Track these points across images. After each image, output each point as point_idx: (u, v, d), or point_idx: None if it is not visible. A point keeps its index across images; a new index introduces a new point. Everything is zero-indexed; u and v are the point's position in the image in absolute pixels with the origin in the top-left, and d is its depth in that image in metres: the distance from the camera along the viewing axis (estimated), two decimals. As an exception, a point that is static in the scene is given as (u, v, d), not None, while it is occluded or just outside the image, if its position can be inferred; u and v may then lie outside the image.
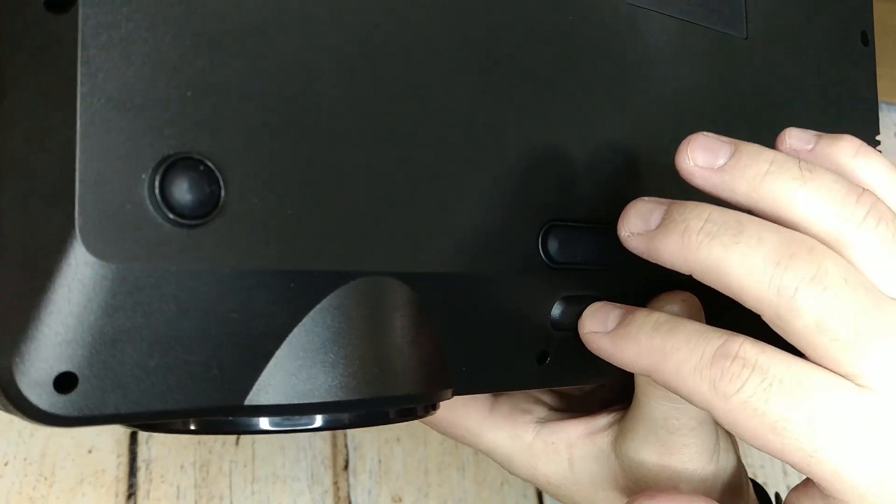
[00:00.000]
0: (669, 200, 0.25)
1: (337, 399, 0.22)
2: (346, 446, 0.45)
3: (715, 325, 0.25)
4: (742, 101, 0.34)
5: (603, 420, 0.32)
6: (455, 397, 0.26)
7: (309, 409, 0.22)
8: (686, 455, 0.30)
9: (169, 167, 0.19)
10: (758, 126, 0.34)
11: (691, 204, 0.25)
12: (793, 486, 0.27)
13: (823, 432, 0.23)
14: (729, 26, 0.33)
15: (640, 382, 0.30)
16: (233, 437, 0.42)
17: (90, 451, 0.39)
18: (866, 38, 0.39)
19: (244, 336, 0.21)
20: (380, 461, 0.45)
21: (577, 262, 0.28)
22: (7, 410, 0.19)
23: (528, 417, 0.33)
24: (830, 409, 0.23)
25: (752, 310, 0.24)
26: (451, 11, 0.25)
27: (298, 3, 0.22)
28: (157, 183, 0.19)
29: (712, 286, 0.24)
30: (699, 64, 0.32)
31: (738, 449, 0.33)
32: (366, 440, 0.45)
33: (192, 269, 0.20)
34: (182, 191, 0.19)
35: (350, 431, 0.45)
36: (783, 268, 0.23)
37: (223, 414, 0.21)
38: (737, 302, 0.24)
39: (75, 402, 0.19)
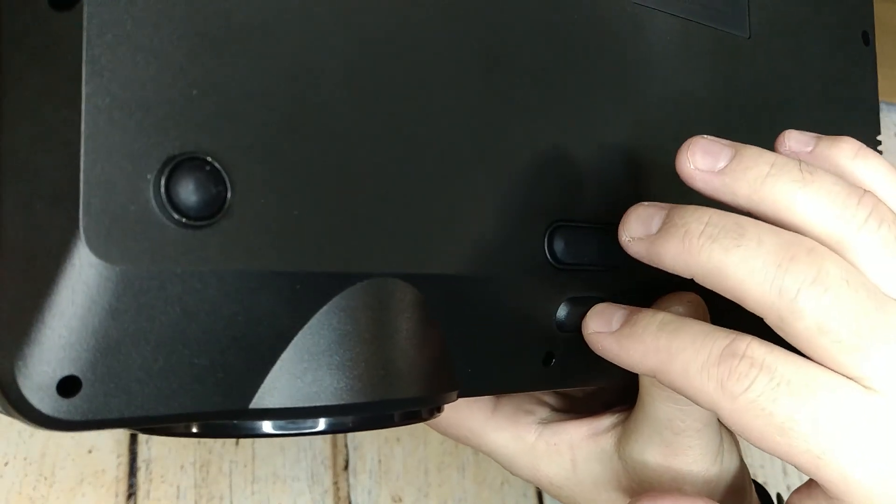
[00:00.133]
0: (670, 205, 0.25)
1: (342, 402, 0.22)
2: (346, 446, 0.45)
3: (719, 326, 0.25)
4: (744, 100, 0.34)
5: (606, 421, 0.32)
6: (458, 399, 0.26)
7: (314, 412, 0.21)
8: (690, 457, 0.30)
9: (175, 167, 0.19)
10: (759, 125, 0.34)
11: (691, 208, 0.24)
12: (793, 485, 0.27)
13: (830, 434, 0.23)
14: (732, 25, 0.33)
15: (644, 383, 0.30)
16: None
17: (90, 451, 0.39)
18: (867, 38, 0.39)
19: (249, 338, 0.20)
20: (380, 461, 0.45)
21: (583, 263, 0.27)
22: (9, 414, 0.19)
23: (530, 418, 0.33)
24: (838, 410, 0.23)
25: (754, 312, 0.24)
26: (455, 11, 0.25)
27: (303, 3, 0.22)
28: (162, 183, 0.19)
29: (714, 290, 0.24)
30: (702, 63, 0.32)
31: (741, 450, 0.33)
32: (366, 440, 0.45)
33: (197, 271, 0.20)
34: (188, 191, 0.19)
35: (350, 431, 0.45)
36: (784, 270, 0.23)
37: (228, 418, 0.21)
38: (739, 305, 0.24)
39: (78, 407, 0.19)
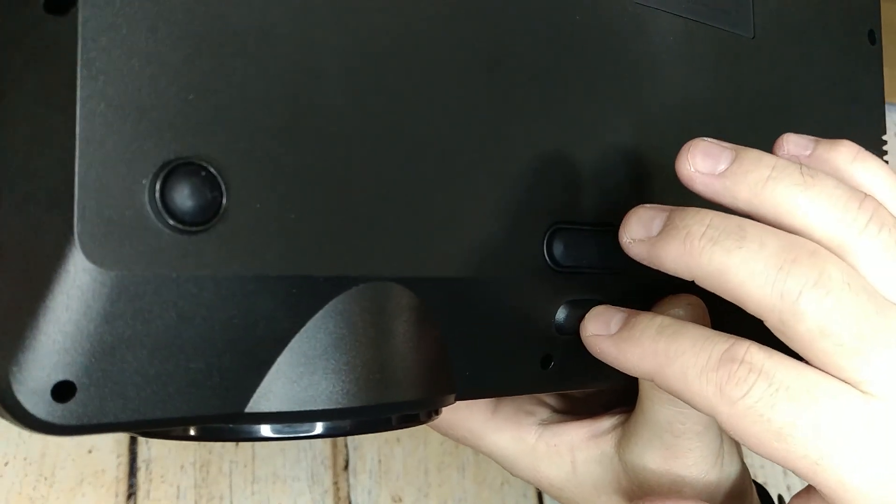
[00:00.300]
0: (671, 207, 0.25)
1: (339, 406, 0.22)
2: (346, 446, 0.45)
3: (719, 331, 0.25)
4: (749, 100, 0.33)
5: (606, 423, 0.32)
6: (457, 401, 0.26)
7: (310, 416, 0.21)
8: (690, 459, 0.30)
9: (170, 172, 0.19)
10: (764, 126, 0.34)
11: (693, 210, 0.24)
12: (793, 485, 0.26)
13: (829, 440, 0.23)
14: (736, 25, 0.33)
15: (644, 386, 0.29)
16: (233, 437, 0.42)
17: (90, 451, 0.39)
18: (874, 37, 0.39)
19: (245, 342, 0.20)
20: (380, 461, 0.45)
21: (582, 266, 0.27)
22: (4, 419, 0.19)
23: (531, 420, 0.33)
24: (836, 416, 0.23)
25: (755, 315, 0.23)
26: (456, 13, 0.25)
27: (300, 7, 0.21)
28: (157, 188, 0.19)
29: (715, 292, 0.24)
30: (706, 64, 0.32)
31: (741, 453, 0.33)
32: (366, 440, 0.45)
33: (192, 276, 0.19)
34: (183, 197, 0.19)
35: (351, 431, 0.45)
36: (786, 272, 0.23)
37: (224, 421, 0.21)
38: (740, 308, 0.24)
39: (73, 411, 0.18)
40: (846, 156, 0.26)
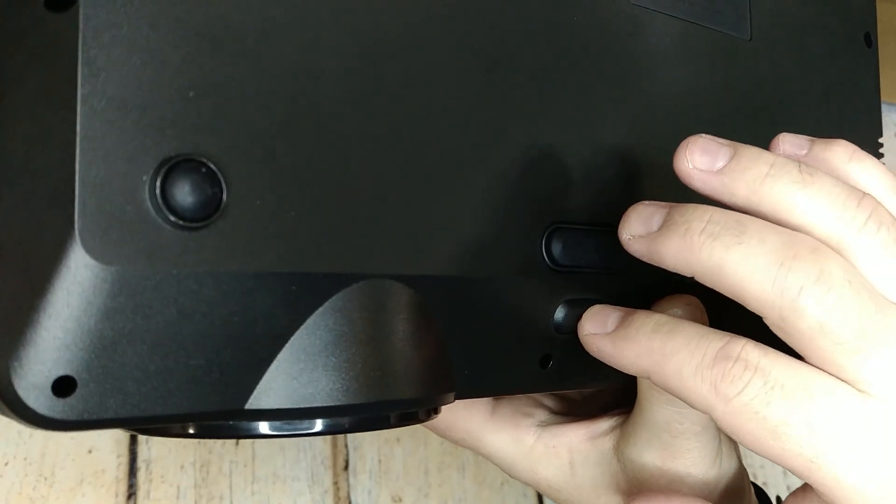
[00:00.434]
0: (671, 203, 0.25)
1: (339, 403, 0.22)
2: (346, 446, 0.45)
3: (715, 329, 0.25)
4: (745, 102, 0.33)
5: (605, 424, 0.32)
6: (456, 400, 0.26)
7: (310, 413, 0.21)
8: (689, 459, 0.30)
9: (170, 169, 0.19)
10: (760, 127, 0.34)
11: (693, 206, 0.24)
12: (793, 486, 0.27)
13: (824, 438, 0.23)
14: (733, 27, 0.33)
15: (642, 386, 0.29)
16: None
17: (90, 451, 0.39)
18: (870, 40, 0.39)
19: (245, 339, 0.21)
20: (380, 461, 0.45)
21: (581, 266, 0.27)
22: (5, 414, 0.19)
23: (529, 421, 0.33)
24: (832, 414, 0.23)
25: (755, 311, 0.23)
26: (454, 11, 0.25)
27: (300, 5, 0.22)
28: (158, 185, 0.19)
29: (714, 288, 0.24)
30: (703, 65, 0.32)
31: (740, 453, 0.33)
32: (366, 440, 0.45)
33: (193, 272, 0.20)
34: (184, 193, 0.19)
35: (350, 432, 0.45)
36: (787, 268, 0.23)
37: (224, 418, 0.21)
38: (739, 307, 0.24)
39: (74, 407, 0.19)
40: (842, 155, 0.26)
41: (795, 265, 0.23)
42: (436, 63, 0.24)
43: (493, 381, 0.26)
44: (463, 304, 0.25)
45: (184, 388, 0.20)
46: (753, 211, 0.24)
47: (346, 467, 0.44)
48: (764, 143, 0.27)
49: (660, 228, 0.25)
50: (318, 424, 0.22)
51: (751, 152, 0.24)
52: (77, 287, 0.18)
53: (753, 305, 0.23)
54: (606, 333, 0.26)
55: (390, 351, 0.23)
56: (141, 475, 0.39)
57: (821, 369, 0.23)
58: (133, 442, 0.40)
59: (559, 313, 0.27)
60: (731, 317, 0.25)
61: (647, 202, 0.26)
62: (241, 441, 0.42)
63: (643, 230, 0.25)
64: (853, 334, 0.23)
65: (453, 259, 0.24)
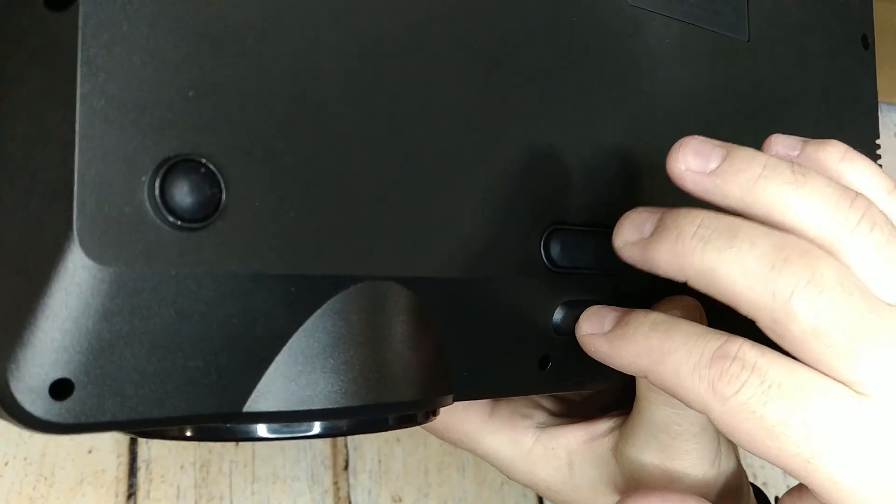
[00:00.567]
0: (663, 209, 0.25)
1: (337, 405, 0.22)
2: (346, 446, 0.45)
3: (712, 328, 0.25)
4: (743, 103, 0.34)
5: (603, 425, 0.32)
6: (455, 402, 0.26)
7: (309, 415, 0.21)
8: (687, 461, 0.30)
9: (169, 169, 0.19)
10: (758, 129, 0.34)
11: (684, 210, 0.24)
12: (793, 486, 0.26)
13: (821, 438, 0.23)
14: (731, 29, 0.33)
15: (641, 387, 0.29)
16: (232, 438, 0.42)
17: (90, 451, 0.39)
18: (867, 42, 0.39)
19: (244, 341, 0.20)
20: (380, 461, 0.45)
21: (580, 267, 0.27)
22: (2, 417, 0.19)
23: (527, 422, 0.33)
24: (829, 414, 0.23)
25: (747, 315, 0.23)
26: (454, 12, 0.25)
27: (301, 4, 0.22)
28: (157, 185, 0.19)
29: (707, 292, 0.24)
30: (701, 66, 0.32)
31: (738, 453, 0.33)
32: (366, 440, 0.45)
33: (191, 273, 0.20)
34: (182, 193, 0.19)
35: (350, 432, 0.45)
36: (778, 272, 0.23)
37: (221, 421, 0.21)
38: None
39: (71, 409, 0.19)
40: (834, 155, 0.26)
41: (787, 268, 0.23)
42: (435, 64, 0.24)
43: (492, 383, 0.26)
44: (462, 305, 0.25)
45: (182, 390, 0.20)
46: (747, 212, 0.24)
47: (346, 467, 0.45)
48: (762, 143, 0.27)
49: (651, 234, 0.25)
50: (317, 427, 0.22)
51: (743, 153, 0.24)
52: (75, 288, 0.18)
53: (745, 309, 0.23)
54: (604, 333, 0.26)
55: (389, 353, 0.23)
56: (141, 475, 0.39)
57: (816, 370, 0.23)
58: (133, 442, 0.40)
59: (558, 314, 0.27)
60: (729, 317, 0.25)
61: (639, 209, 0.26)
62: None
63: (636, 237, 0.25)
64: (845, 336, 0.23)
65: (452, 260, 0.24)
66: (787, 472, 0.24)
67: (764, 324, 0.23)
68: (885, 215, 0.24)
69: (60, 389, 0.18)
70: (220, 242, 0.20)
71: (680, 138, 0.26)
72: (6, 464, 0.37)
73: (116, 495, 0.39)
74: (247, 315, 0.20)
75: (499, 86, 0.26)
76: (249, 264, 0.20)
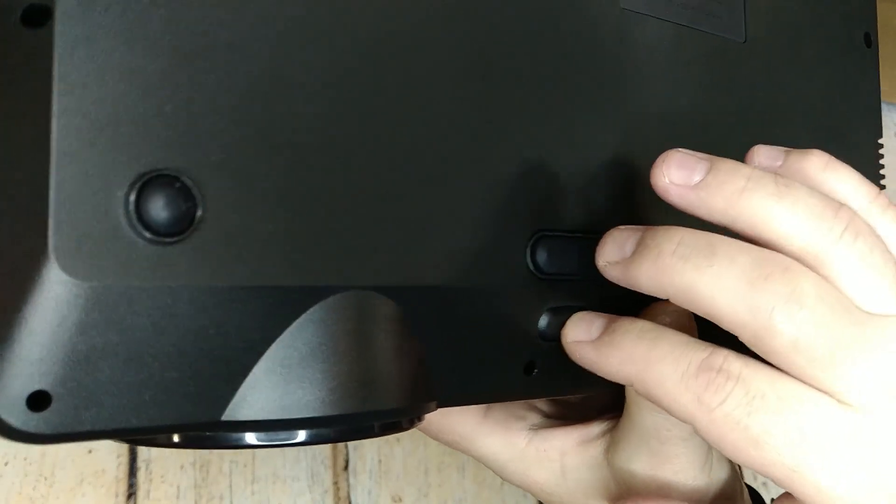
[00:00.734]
0: (645, 227, 0.25)
1: (316, 414, 0.22)
2: (346, 446, 0.45)
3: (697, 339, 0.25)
4: (740, 106, 0.33)
5: (596, 429, 0.32)
6: (439, 408, 0.26)
7: (287, 424, 0.22)
8: (677, 465, 0.30)
9: (145, 185, 0.19)
10: (757, 131, 0.34)
11: (664, 228, 0.25)
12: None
13: (805, 447, 0.23)
14: (727, 30, 0.33)
15: (629, 392, 0.29)
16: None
17: (90, 451, 0.39)
18: (869, 40, 0.39)
19: (221, 352, 0.21)
20: (380, 461, 0.46)
21: (566, 273, 0.27)
22: None
23: (521, 424, 0.33)
24: (812, 424, 0.23)
25: (729, 330, 0.24)
26: (438, 22, 0.25)
27: (277, 20, 0.22)
28: (132, 200, 0.19)
29: (688, 309, 0.24)
30: (695, 69, 0.32)
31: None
32: (365, 440, 0.46)
33: (167, 287, 0.20)
34: (157, 208, 0.19)
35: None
36: (757, 289, 0.23)
37: (201, 429, 0.21)
38: None
39: (49, 420, 0.19)
40: (817, 165, 0.26)
41: (766, 285, 0.23)
42: (417, 71, 0.24)
43: (478, 389, 0.26)
44: (446, 312, 0.25)
45: (159, 400, 0.20)
46: (731, 225, 0.24)
47: (346, 467, 0.45)
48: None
49: (633, 254, 0.25)
50: (301, 434, 0.23)
51: (727, 166, 0.24)
52: (51, 302, 0.19)
53: (727, 325, 0.23)
54: (590, 340, 0.26)
55: (368, 362, 0.23)
56: (141, 475, 0.40)
57: (800, 381, 0.23)
58: (132, 442, 0.40)
59: (543, 321, 0.27)
60: (716, 327, 0.25)
61: (621, 227, 0.26)
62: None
63: (618, 256, 0.25)
64: (827, 348, 0.23)
65: (437, 268, 0.24)
66: (772, 480, 0.24)
67: (746, 339, 0.23)
68: (868, 225, 0.24)
69: (38, 401, 0.19)
70: (195, 256, 0.20)
71: (673, 144, 0.26)
72: (6, 464, 0.37)
73: (116, 495, 0.39)
74: (223, 327, 0.21)
75: (484, 92, 0.26)
76: (225, 277, 0.20)
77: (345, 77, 0.23)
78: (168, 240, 0.20)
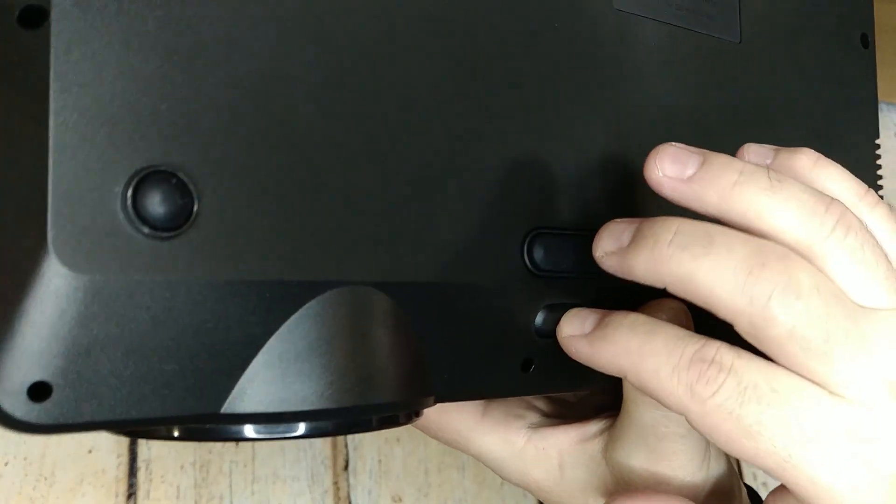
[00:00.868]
0: (641, 219, 0.25)
1: (314, 408, 0.22)
2: (345, 446, 0.45)
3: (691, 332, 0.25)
4: (736, 106, 0.33)
5: (594, 427, 0.32)
6: (437, 403, 0.26)
7: (285, 417, 0.22)
8: (675, 462, 0.30)
9: (141, 180, 0.20)
10: (753, 132, 0.34)
11: (661, 218, 0.25)
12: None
13: (797, 438, 0.23)
14: (722, 30, 0.33)
15: (627, 389, 0.30)
16: (232, 438, 0.42)
17: (90, 451, 0.39)
18: (866, 41, 0.39)
19: (219, 345, 0.21)
20: (380, 461, 0.46)
21: (562, 270, 0.28)
22: None
23: (520, 422, 0.33)
24: (805, 415, 0.23)
25: (725, 320, 0.24)
26: (432, 19, 0.25)
27: (273, 16, 0.22)
28: (129, 196, 0.20)
29: (685, 298, 0.24)
30: (689, 70, 0.32)
31: (729, 456, 0.33)
32: (366, 440, 0.46)
33: (165, 280, 0.20)
34: (154, 203, 0.20)
35: (350, 432, 0.45)
36: (755, 277, 0.23)
37: (200, 422, 0.21)
38: None
39: (49, 411, 0.19)
40: (807, 163, 0.26)
41: (764, 274, 0.23)
42: (413, 69, 0.24)
43: (475, 385, 0.27)
44: (443, 309, 0.25)
45: (158, 392, 0.20)
46: (724, 218, 0.25)
47: (346, 467, 0.45)
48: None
49: (629, 244, 0.25)
50: (300, 427, 0.23)
51: (720, 160, 0.25)
52: (51, 296, 0.19)
53: (723, 314, 0.24)
54: (584, 335, 0.27)
55: (365, 356, 0.23)
56: (141, 475, 0.40)
57: (794, 372, 0.23)
58: (133, 442, 0.40)
59: (540, 317, 0.27)
60: (712, 318, 0.25)
61: (618, 220, 0.26)
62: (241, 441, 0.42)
63: (615, 246, 0.26)
64: (822, 340, 0.23)
65: (433, 265, 0.25)
66: (766, 471, 0.24)
67: (742, 328, 0.24)
68: (859, 220, 0.24)
69: (38, 392, 0.19)
70: (192, 251, 0.20)
71: (668, 141, 0.26)
72: (6, 464, 0.37)
73: (116, 495, 0.39)
74: (221, 320, 0.21)
75: (478, 91, 0.26)
76: (222, 272, 0.21)
77: (340, 74, 0.23)
78: (165, 234, 0.20)
